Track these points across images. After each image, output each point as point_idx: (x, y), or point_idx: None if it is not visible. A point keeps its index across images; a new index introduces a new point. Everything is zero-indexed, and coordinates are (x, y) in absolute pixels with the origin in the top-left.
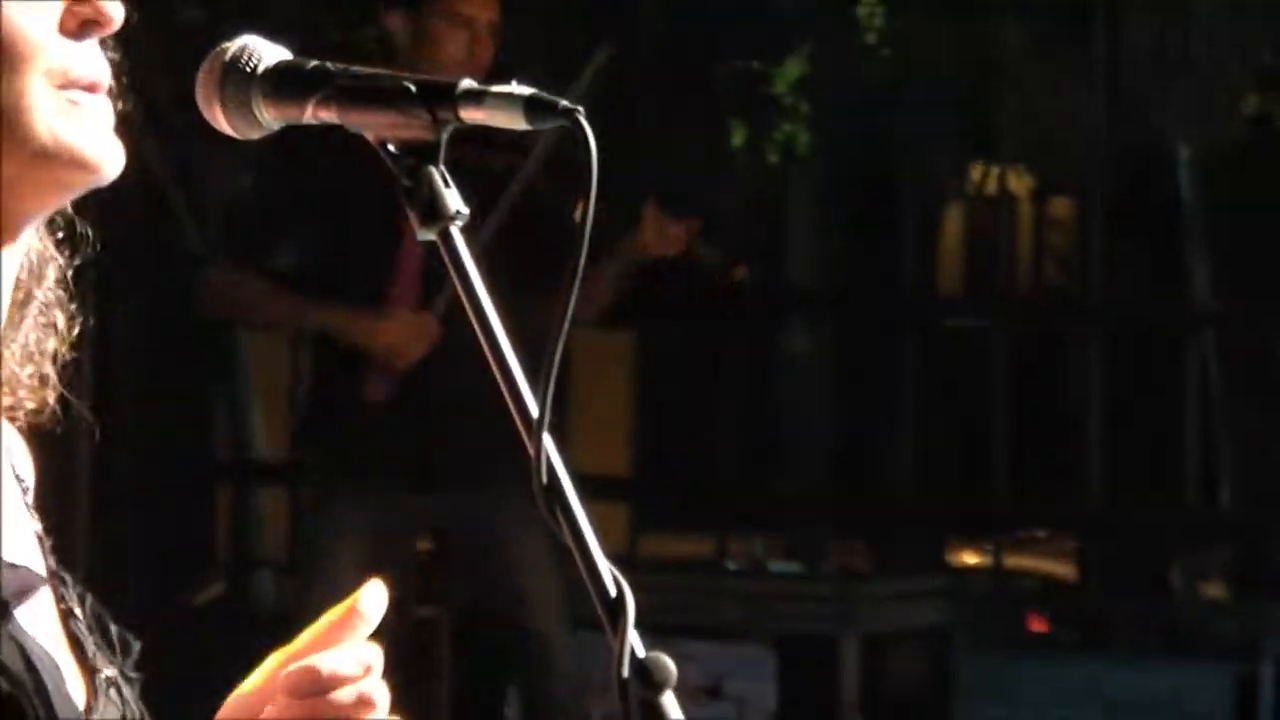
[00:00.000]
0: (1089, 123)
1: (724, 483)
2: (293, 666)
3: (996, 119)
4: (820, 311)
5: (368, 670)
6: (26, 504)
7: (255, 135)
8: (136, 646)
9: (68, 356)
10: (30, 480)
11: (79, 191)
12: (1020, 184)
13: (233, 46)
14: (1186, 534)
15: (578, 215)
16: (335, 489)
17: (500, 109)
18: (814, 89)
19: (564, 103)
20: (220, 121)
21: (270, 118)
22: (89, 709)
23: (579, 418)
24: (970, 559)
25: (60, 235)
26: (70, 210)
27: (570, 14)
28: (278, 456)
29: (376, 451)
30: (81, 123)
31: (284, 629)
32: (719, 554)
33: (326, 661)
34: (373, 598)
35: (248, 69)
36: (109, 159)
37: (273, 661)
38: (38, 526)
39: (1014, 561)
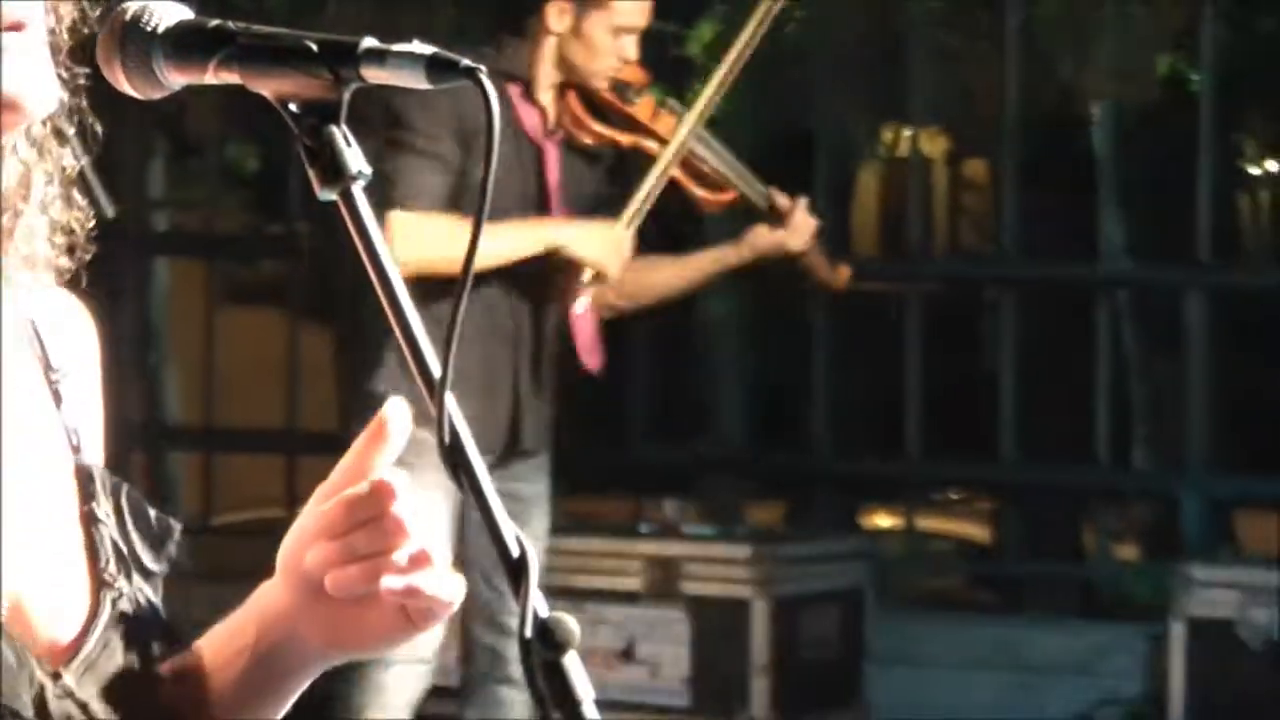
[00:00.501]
0: (1003, 84)
1: (639, 446)
2: (324, 505)
3: (911, 81)
4: (734, 274)
5: (393, 497)
6: (56, 391)
7: (157, 96)
8: (177, 529)
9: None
10: (79, 362)
11: (10, 129)
12: (935, 146)
13: (133, 6)
14: (1100, 495)
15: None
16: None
17: (402, 68)
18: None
19: (465, 62)
20: (121, 82)
21: (172, 79)
22: (85, 632)
23: None
24: (884, 521)
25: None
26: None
27: None
28: (192, 421)
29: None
30: (3, 62)
31: (195, 591)
32: (633, 517)
33: (356, 493)
34: (398, 413)
35: (148, 29)
36: (33, 96)
37: (313, 501)
38: (77, 418)
39: (928, 523)
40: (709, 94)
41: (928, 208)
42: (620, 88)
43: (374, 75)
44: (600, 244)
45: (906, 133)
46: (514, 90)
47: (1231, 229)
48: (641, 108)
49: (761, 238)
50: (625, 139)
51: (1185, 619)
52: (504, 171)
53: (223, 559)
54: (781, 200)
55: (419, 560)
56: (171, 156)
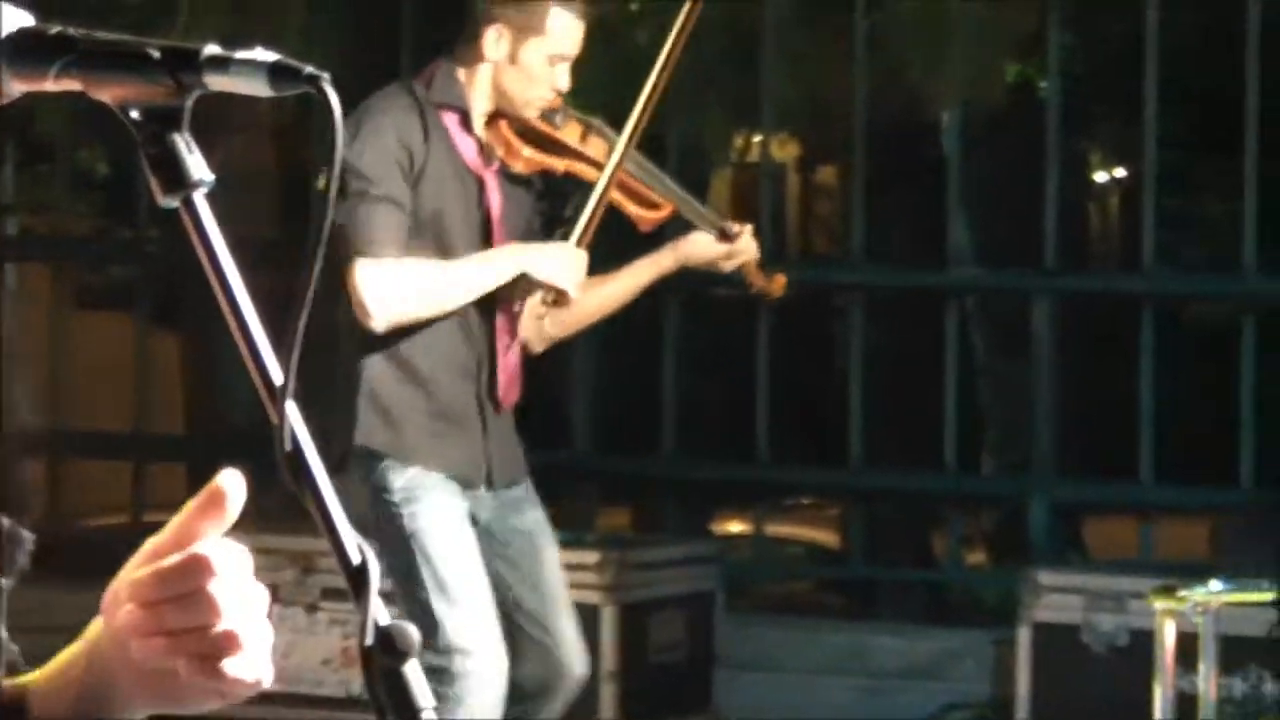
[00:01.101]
0: (853, 90)
1: None
2: (143, 571)
3: (762, 87)
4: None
5: (210, 574)
6: None
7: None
8: (29, 540)
9: None
10: None
11: None
12: (786, 152)
13: None
14: (948, 500)
15: (321, 183)
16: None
17: (245, 75)
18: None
19: (309, 69)
20: None
21: (13, 86)
22: None
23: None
24: (734, 526)
25: None
26: None
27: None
28: (39, 426)
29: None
30: None
31: (36, 598)
32: None
33: (170, 565)
34: (233, 484)
35: None
36: None
37: (138, 557)
38: None
39: (777, 529)
40: (639, 112)
41: (779, 213)
42: (546, 113)
43: (216, 82)
44: (561, 265)
45: (758, 139)
46: (450, 120)
47: (1079, 235)
48: (569, 131)
49: (700, 246)
50: (559, 164)
51: (1031, 624)
52: (449, 203)
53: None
54: (729, 225)
55: (226, 642)
56: (20, 161)
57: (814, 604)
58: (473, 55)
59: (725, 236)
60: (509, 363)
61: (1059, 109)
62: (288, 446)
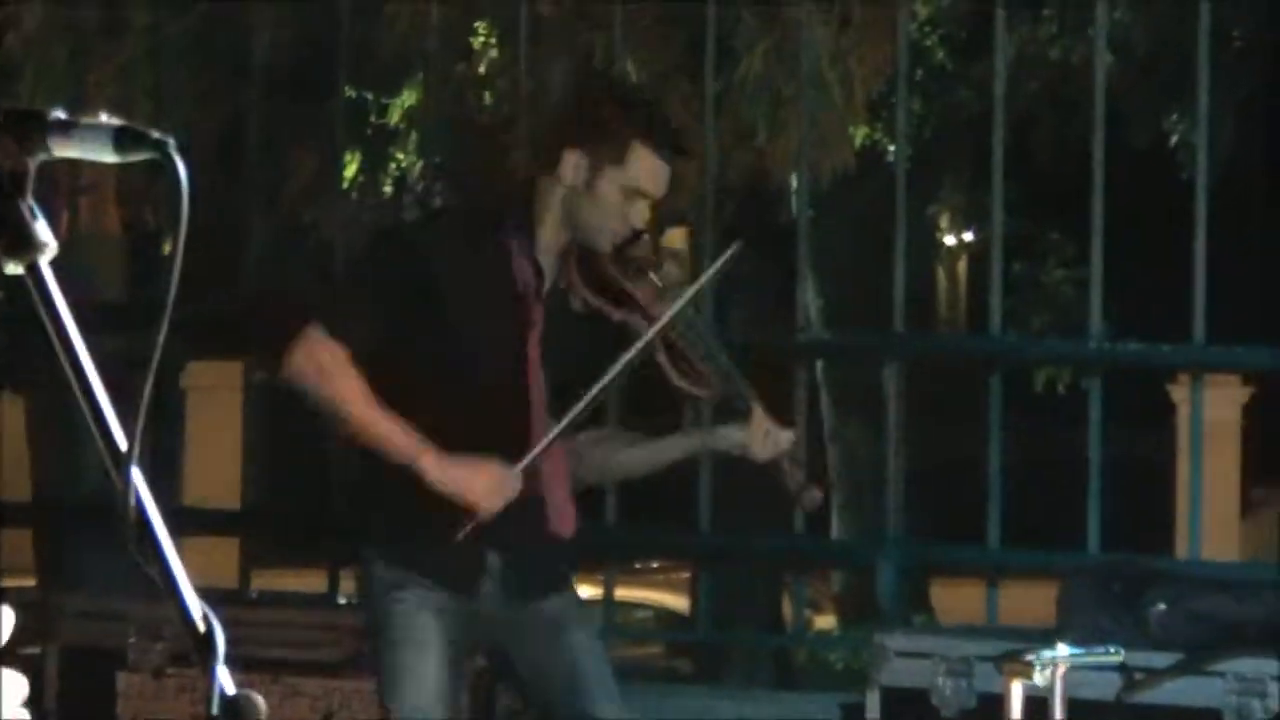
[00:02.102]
0: (702, 153)
1: (335, 515)
2: None
3: None
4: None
5: None
6: None
7: None
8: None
9: None
10: None
11: None
12: None
13: None
14: (797, 564)
15: (171, 258)
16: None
17: (90, 140)
18: (426, 119)
19: (155, 134)
20: None
21: None
22: None
23: (193, 450)
24: (582, 590)
25: None
26: None
27: (197, 49)
28: None
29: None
30: None
31: None
32: (331, 587)
33: None
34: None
35: None
36: None
37: None
38: None
39: (627, 593)
40: (705, 278)
41: None
42: (628, 262)
43: (61, 147)
44: (474, 487)
45: None
46: (514, 244)
47: (927, 298)
48: (645, 290)
49: (724, 439)
50: (616, 314)
51: (880, 688)
52: (487, 321)
53: None
54: (755, 410)
55: None
56: None
57: (662, 669)
58: (549, 179)
59: (748, 413)
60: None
61: (907, 172)
62: (131, 513)
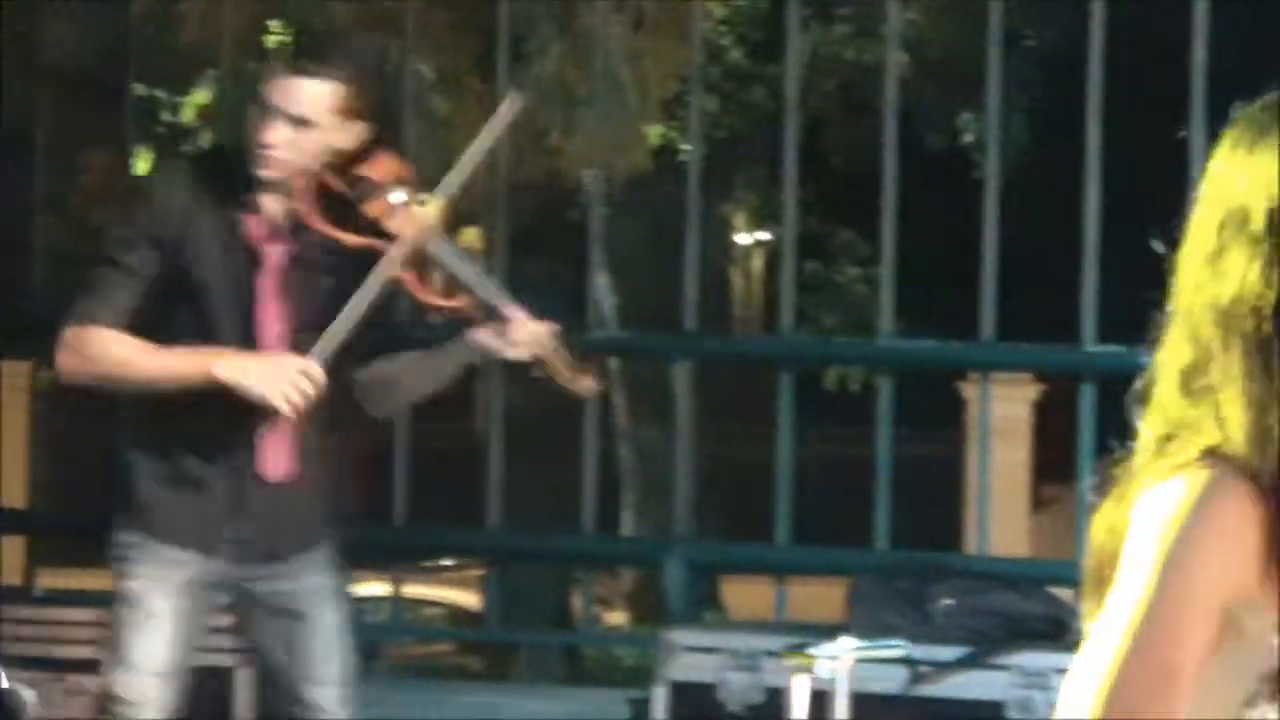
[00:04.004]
0: (494, 152)
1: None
2: None
3: (403, 148)
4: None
5: None
6: None
7: None
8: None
9: None
10: None
11: None
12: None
13: None
14: (587, 562)
15: None
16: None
17: None
18: (219, 116)
19: None
20: None
21: None
22: None
23: None
24: (372, 588)
25: None
26: None
27: None
28: None
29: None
30: None
31: None
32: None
33: None
34: None
35: None
36: None
37: None
38: None
39: (416, 590)
40: (446, 190)
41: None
42: (357, 183)
43: None
44: (264, 378)
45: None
46: (243, 194)
47: (720, 298)
48: (376, 205)
49: (486, 341)
50: (354, 239)
51: (668, 683)
52: (219, 268)
53: None
54: (508, 309)
55: None
56: None
57: (453, 666)
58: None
59: (499, 317)
60: (276, 440)
61: (700, 172)
62: None
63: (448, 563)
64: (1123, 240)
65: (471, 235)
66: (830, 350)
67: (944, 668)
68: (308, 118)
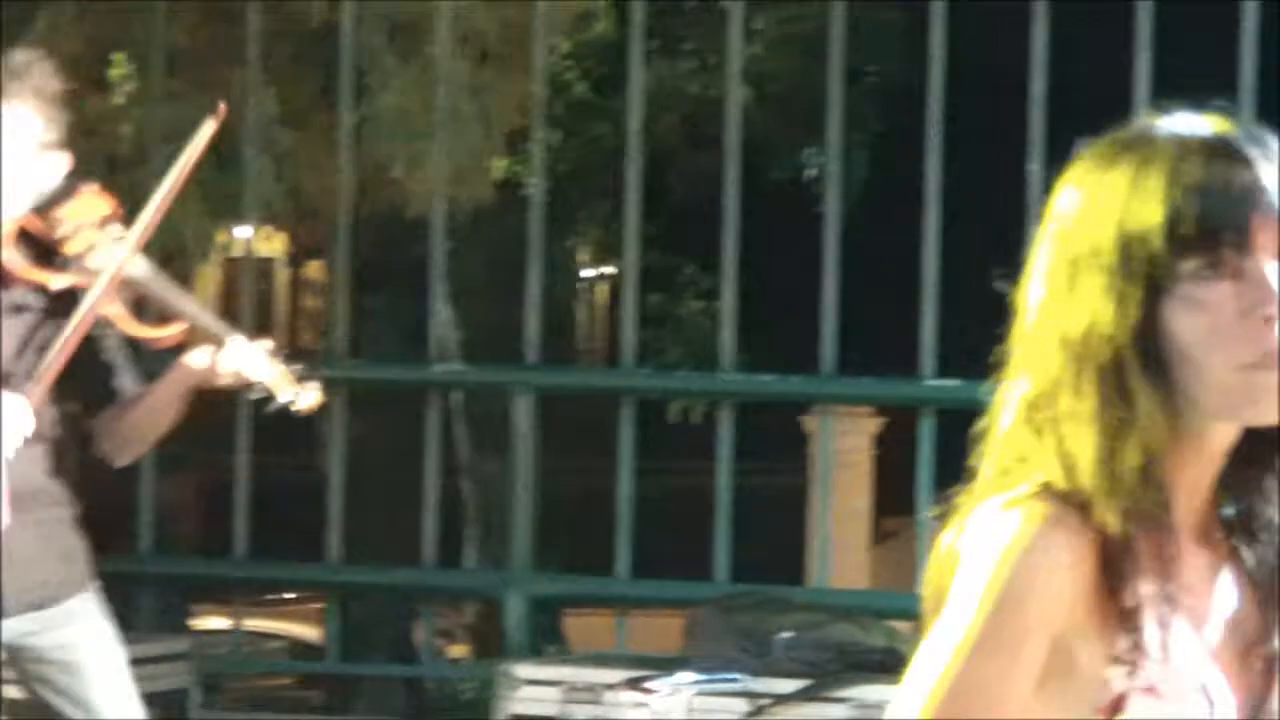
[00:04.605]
0: (338, 184)
1: None
2: None
3: (246, 181)
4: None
5: None
6: None
7: None
8: None
9: None
10: None
11: None
12: (275, 246)
13: None
14: (428, 595)
15: None
16: None
17: None
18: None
19: None
20: None
21: None
22: None
23: None
24: (212, 621)
25: None
26: None
27: None
28: None
29: None
30: None
31: None
32: None
33: None
34: None
35: None
36: None
37: None
38: None
39: (257, 623)
40: (144, 221)
41: (267, 307)
42: (63, 223)
43: None
44: None
45: (244, 233)
46: None
47: (564, 331)
48: (78, 243)
49: (188, 368)
50: (57, 279)
51: (508, 716)
52: None
53: None
54: (223, 334)
55: None
56: None
57: (294, 699)
58: None
59: (233, 348)
60: None
61: (543, 205)
62: None
63: (289, 596)
64: (963, 274)
65: (314, 269)
66: (672, 383)
67: (782, 700)
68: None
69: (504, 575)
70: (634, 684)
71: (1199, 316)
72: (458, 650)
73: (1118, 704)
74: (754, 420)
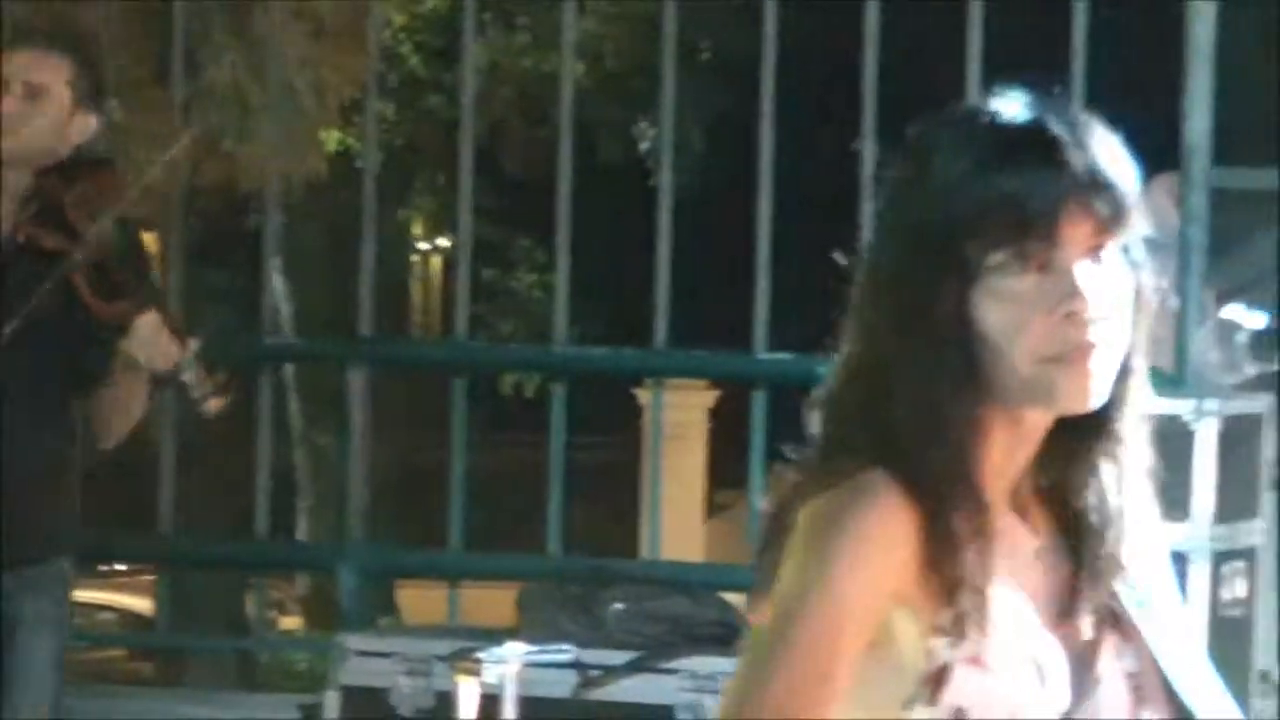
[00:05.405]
0: (172, 159)
1: None
2: None
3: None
4: None
5: None
6: None
7: None
8: None
9: None
10: None
11: None
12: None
13: None
14: (261, 567)
15: None
16: None
17: None
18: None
19: None
20: None
21: None
22: None
23: None
24: None
25: None
26: None
27: None
28: None
29: None
30: None
31: None
32: None
33: None
34: None
35: None
36: None
37: None
38: None
39: (90, 595)
40: (128, 195)
41: None
42: (73, 187)
43: None
44: None
45: None
46: None
47: (398, 304)
48: (80, 209)
49: (126, 351)
50: (50, 241)
51: (340, 688)
52: None
53: None
54: (169, 318)
55: None
56: None
57: (125, 672)
58: None
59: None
60: None
61: (378, 178)
62: None
63: (120, 567)
64: (796, 249)
65: (147, 241)
66: (505, 356)
67: (614, 672)
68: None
69: (336, 548)
70: (464, 655)
71: (1004, 308)
72: (291, 622)
73: (942, 675)
74: (589, 394)
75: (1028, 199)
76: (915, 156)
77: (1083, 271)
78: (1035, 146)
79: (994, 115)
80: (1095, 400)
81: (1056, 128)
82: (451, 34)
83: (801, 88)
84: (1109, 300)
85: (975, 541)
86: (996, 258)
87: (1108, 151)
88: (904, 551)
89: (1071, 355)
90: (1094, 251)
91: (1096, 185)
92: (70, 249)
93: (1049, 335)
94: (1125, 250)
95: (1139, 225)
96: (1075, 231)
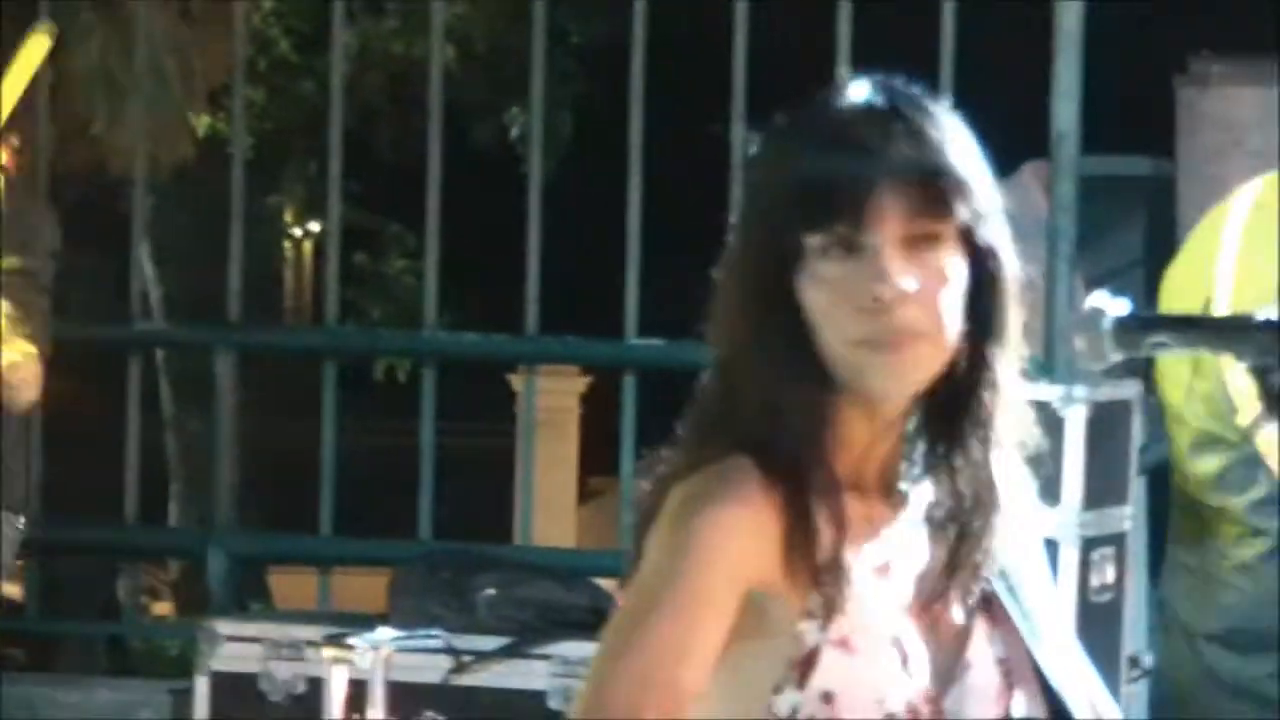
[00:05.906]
0: (35, 139)
1: None
2: None
3: None
4: None
5: None
6: None
7: None
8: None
9: None
10: None
11: None
12: None
13: None
14: (131, 553)
15: None
16: None
17: None
18: None
19: None
20: None
21: None
22: None
23: None
24: None
25: None
26: None
27: None
28: None
29: None
30: None
31: None
32: None
33: None
34: None
35: None
36: None
37: None
38: None
39: None
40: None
41: None
42: None
43: None
44: None
45: None
46: None
47: (268, 289)
48: None
49: None
50: None
51: (209, 673)
52: None
53: None
54: None
55: None
56: None
57: None
58: None
59: None
60: None
61: (248, 163)
62: None
63: None
64: (667, 235)
65: None
66: (375, 342)
67: (485, 657)
68: None
69: (206, 533)
70: (334, 640)
71: (819, 291)
72: (162, 608)
73: (811, 658)
74: (462, 380)
75: (835, 181)
76: (763, 144)
77: (894, 257)
78: (856, 131)
79: (841, 100)
80: (908, 387)
81: (885, 114)
82: (321, 19)
83: (673, 69)
84: (929, 288)
85: (832, 525)
86: (814, 241)
87: (944, 138)
88: (767, 535)
89: (880, 341)
90: (916, 238)
91: (914, 170)
92: None
93: (856, 320)
94: (972, 237)
95: (989, 212)
96: (887, 216)
